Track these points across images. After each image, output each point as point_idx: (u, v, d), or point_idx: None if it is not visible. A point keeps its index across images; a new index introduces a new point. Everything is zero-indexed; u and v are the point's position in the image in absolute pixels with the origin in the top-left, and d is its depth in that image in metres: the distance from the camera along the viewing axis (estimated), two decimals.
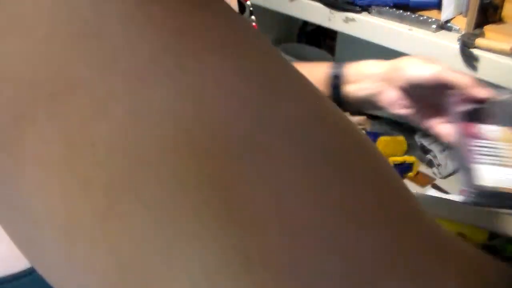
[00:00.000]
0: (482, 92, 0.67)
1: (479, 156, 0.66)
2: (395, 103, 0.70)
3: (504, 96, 0.69)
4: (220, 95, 0.14)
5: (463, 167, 0.65)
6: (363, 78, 0.69)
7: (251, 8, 0.49)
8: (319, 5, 1.11)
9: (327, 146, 0.16)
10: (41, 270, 0.15)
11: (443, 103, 0.69)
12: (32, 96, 0.14)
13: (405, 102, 0.70)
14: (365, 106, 0.71)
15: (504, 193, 0.63)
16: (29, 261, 0.16)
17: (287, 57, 1.45)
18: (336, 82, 0.69)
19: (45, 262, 0.15)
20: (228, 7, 0.16)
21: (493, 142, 0.68)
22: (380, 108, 0.72)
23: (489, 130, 0.68)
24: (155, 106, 0.13)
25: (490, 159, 0.67)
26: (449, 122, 0.69)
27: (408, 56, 0.72)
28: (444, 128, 0.70)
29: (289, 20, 1.41)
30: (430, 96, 0.68)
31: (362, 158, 0.17)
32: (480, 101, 0.66)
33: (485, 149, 0.68)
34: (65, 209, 0.13)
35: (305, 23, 1.55)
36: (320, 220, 0.14)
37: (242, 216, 0.13)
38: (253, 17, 0.49)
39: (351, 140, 0.17)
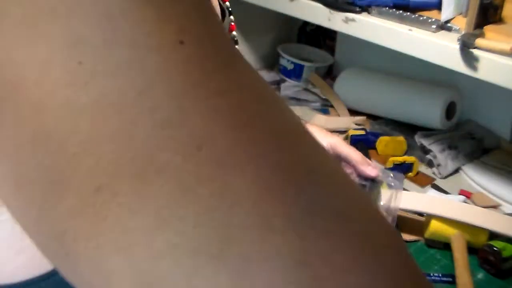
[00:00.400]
0: (368, 171, 0.77)
1: None
2: None
3: (385, 178, 0.81)
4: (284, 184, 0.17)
5: None
6: None
7: (229, 9, 0.49)
8: (319, 5, 1.11)
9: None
10: None
11: None
12: (115, 171, 0.15)
13: None
14: None
15: None
16: None
17: (287, 57, 1.45)
18: None
19: None
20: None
21: None
22: None
23: None
24: (235, 192, 0.16)
25: None
26: None
27: (310, 125, 0.82)
28: None
29: (289, 20, 1.41)
30: None
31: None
32: (366, 177, 0.78)
33: None
34: (152, 269, 0.15)
35: (305, 23, 1.55)
36: None
37: None
38: (231, 17, 0.49)
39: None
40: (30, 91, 0.16)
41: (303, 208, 0.17)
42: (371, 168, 0.78)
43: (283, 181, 0.17)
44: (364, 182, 0.78)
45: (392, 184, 0.81)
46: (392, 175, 0.82)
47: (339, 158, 0.76)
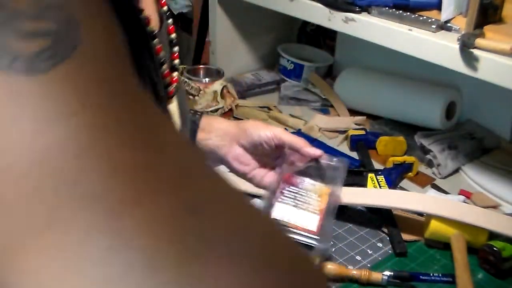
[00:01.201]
0: (313, 152, 0.85)
1: (283, 198, 0.87)
2: (236, 159, 0.84)
3: (329, 161, 0.88)
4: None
5: (268, 203, 0.86)
6: (212, 131, 0.83)
7: (167, 13, 0.49)
8: (319, 5, 1.11)
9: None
10: None
11: (279, 161, 0.86)
12: (22, 231, 0.18)
13: (245, 159, 0.84)
14: (210, 156, 0.85)
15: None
16: None
17: (287, 57, 1.45)
18: (193, 127, 0.82)
19: None
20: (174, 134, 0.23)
21: (302, 190, 0.87)
22: (222, 162, 0.85)
23: (306, 182, 0.88)
24: (125, 234, 0.19)
25: (290, 201, 0.86)
26: (278, 174, 0.86)
27: (252, 120, 0.90)
28: (268, 177, 0.86)
29: (289, 20, 1.41)
30: (269, 154, 0.84)
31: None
32: (312, 159, 0.86)
33: (292, 193, 0.87)
34: None
35: (305, 23, 1.55)
36: None
37: None
38: (170, 20, 0.49)
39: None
40: None
41: (194, 239, 0.20)
42: (314, 149, 0.85)
43: (171, 217, 0.20)
44: (310, 164, 0.86)
45: (335, 164, 0.87)
46: (335, 158, 0.89)
47: (284, 146, 0.84)
